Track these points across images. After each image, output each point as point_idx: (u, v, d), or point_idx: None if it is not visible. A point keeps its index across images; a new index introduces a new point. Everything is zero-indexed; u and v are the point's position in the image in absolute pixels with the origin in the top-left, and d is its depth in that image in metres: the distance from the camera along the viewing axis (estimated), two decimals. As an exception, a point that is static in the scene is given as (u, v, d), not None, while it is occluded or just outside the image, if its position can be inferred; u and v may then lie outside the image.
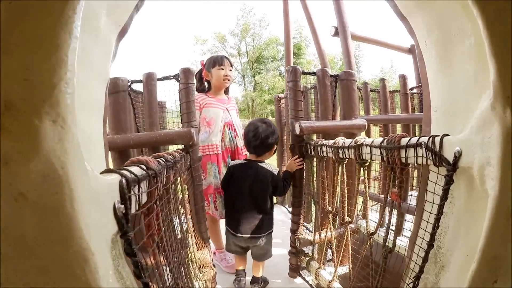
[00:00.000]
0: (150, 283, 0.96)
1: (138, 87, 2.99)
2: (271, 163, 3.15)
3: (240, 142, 3.54)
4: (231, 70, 3.53)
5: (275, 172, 3.02)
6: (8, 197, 0.58)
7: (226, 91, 3.70)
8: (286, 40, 8.41)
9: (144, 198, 1.10)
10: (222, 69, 3.44)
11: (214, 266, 2.87)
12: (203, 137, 3.33)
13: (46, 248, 0.61)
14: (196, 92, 3.23)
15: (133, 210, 0.95)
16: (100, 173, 0.88)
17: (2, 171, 0.57)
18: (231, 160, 3.42)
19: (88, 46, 1.19)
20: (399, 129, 5.08)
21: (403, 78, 5.20)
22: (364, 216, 3.50)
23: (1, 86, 0.56)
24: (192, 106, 2.71)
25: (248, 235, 2.94)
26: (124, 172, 0.93)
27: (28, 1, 0.58)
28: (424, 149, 1.50)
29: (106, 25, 1.32)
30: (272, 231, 3.08)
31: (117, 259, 0.98)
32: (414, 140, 1.57)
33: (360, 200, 3.07)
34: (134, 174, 0.98)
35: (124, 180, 0.89)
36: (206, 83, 3.60)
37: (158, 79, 2.82)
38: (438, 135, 1.46)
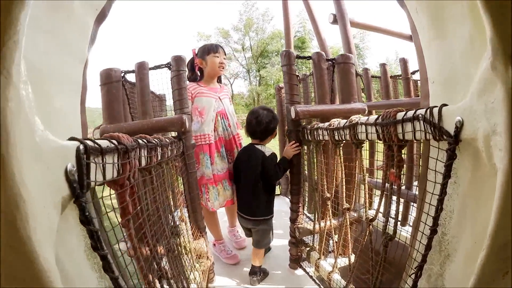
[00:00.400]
0: (109, 257, 0.89)
1: (133, 78, 2.96)
2: (270, 147, 3.22)
3: (235, 130, 3.51)
4: (225, 58, 3.46)
5: (267, 154, 3.08)
6: None
7: (219, 80, 3.62)
8: (286, 33, 8.34)
9: (113, 173, 1.08)
10: (217, 56, 3.35)
11: (211, 256, 2.82)
12: (195, 127, 3.25)
13: None
14: (187, 82, 3.12)
15: (95, 180, 0.95)
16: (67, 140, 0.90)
17: None
18: (225, 150, 3.43)
19: (61, 25, 1.27)
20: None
21: (403, 62, 5.07)
22: (367, 204, 3.43)
23: None
24: (184, 93, 2.69)
25: (247, 217, 3.10)
26: (87, 141, 0.92)
27: None
28: (422, 122, 1.38)
29: (80, 8, 1.36)
30: (269, 218, 3.11)
31: (87, 239, 1.01)
32: (410, 113, 1.45)
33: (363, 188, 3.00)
34: (97, 144, 0.97)
35: (82, 146, 0.88)
36: (198, 72, 3.50)
37: (150, 68, 2.80)
38: (436, 106, 1.34)
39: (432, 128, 1.33)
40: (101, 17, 1.53)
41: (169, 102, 3.67)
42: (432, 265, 1.46)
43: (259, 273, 3.07)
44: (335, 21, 6.04)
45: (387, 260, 1.78)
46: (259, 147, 3.13)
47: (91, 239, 0.85)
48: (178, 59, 2.69)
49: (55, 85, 1.23)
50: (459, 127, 1.19)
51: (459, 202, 1.34)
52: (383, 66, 5.11)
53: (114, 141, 1.12)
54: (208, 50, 3.39)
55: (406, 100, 4.73)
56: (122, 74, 2.81)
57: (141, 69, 2.74)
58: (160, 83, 3.08)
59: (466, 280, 1.09)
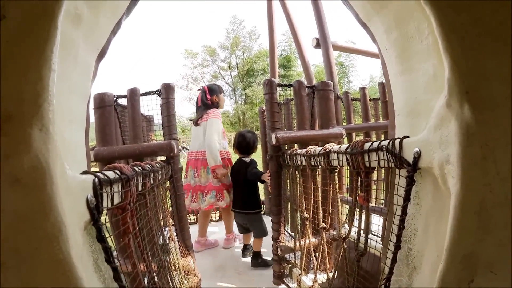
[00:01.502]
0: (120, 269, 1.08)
1: (124, 102, 3.10)
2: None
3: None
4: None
5: (248, 161, 4.32)
6: (7, 181, 0.80)
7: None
8: (270, 53, 8.55)
9: (116, 199, 1.27)
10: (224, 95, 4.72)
11: (198, 273, 2.91)
12: (224, 144, 4.55)
13: (31, 219, 0.81)
14: (214, 108, 4.53)
15: (106, 206, 1.16)
16: (80, 173, 1.10)
17: (3, 163, 0.80)
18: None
19: (69, 69, 1.42)
20: (382, 137, 5.12)
21: (382, 86, 5.32)
22: (342, 223, 3.57)
23: (1, 103, 0.79)
24: (173, 120, 2.86)
25: (241, 210, 4.20)
26: (98, 174, 1.14)
27: (18, 47, 0.81)
28: (385, 152, 1.54)
29: (84, 50, 1.49)
30: (258, 212, 4.17)
31: (96, 253, 1.16)
32: (375, 144, 1.62)
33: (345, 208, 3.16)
34: (106, 176, 1.18)
35: (97, 180, 1.09)
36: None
37: (141, 94, 2.96)
38: (398, 138, 1.50)
39: (393, 158, 1.50)
40: (102, 54, 1.67)
41: (157, 121, 3.98)
42: (401, 277, 1.58)
43: (250, 249, 4.30)
44: (318, 45, 6.25)
45: (365, 274, 1.94)
46: (245, 159, 4.33)
47: (105, 254, 1.06)
48: (167, 87, 2.85)
49: (64, 122, 1.39)
50: (417, 157, 1.36)
51: (422, 221, 1.49)
52: (362, 90, 5.30)
53: (117, 172, 1.30)
54: (221, 91, 4.79)
55: (384, 122, 4.90)
56: (115, 98, 2.96)
57: (133, 95, 2.89)
58: (148, 104, 3.17)
59: (431, 289, 1.23)
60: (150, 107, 3.21)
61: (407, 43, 1.57)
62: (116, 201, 1.27)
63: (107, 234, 1.09)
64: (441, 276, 1.15)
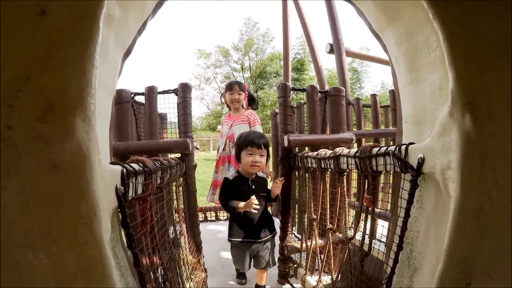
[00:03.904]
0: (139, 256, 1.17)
1: (141, 98, 3.24)
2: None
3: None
4: (240, 94, 4.41)
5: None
6: (47, 166, 0.88)
7: (251, 106, 4.64)
8: (284, 56, 8.63)
9: (139, 190, 1.38)
10: (231, 93, 4.41)
11: (205, 269, 3.01)
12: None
13: (71, 202, 0.90)
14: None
15: (130, 195, 1.27)
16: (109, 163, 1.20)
17: (44, 149, 0.87)
18: (230, 164, 4.38)
19: (100, 66, 1.42)
20: (391, 143, 5.09)
21: (392, 93, 5.35)
22: (349, 226, 3.62)
23: (44, 94, 0.87)
24: (189, 119, 2.95)
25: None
26: (126, 165, 1.25)
27: (62, 42, 0.90)
28: (391, 157, 1.62)
29: (113, 48, 1.57)
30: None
31: (114, 241, 1.26)
32: (383, 149, 1.70)
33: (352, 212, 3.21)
34: (133, 168, 1.29)
35: (125, 170, 1.21)
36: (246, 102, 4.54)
37: (159, 93, 3.08)
38: (404, 144, 1.58)
39: (399, 162, 1.57)
40: (128, 53, 1.74)
41: (169, 119, 4.11)
42: (402, 278, 1.64)
43: None
44: (331, 51, 6.31)
45: (369, 278, 2.00)
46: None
47: (127, 240, 1.16)
48: (185, 87, 2.95)
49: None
50: (421, 162, 1.43)
51: (424, 224, 1.55)
52: (373, 97, 5.37)
53: (141, 164, 1.40)
54: (226, 88, 4.55)
55: (393, 129, 4.92)
56: (132, 95, 3.10)
57: (151, 93, 3.03)
58: (162, 102, 3.28)
59: (431, 290, 1.29)
60: (163, 105, 3.31)
61: (416, 55, 1.62)
62: (139, 192, 1.37)
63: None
64: (439, 277, 1.20)
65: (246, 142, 2.96)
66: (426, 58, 1.54)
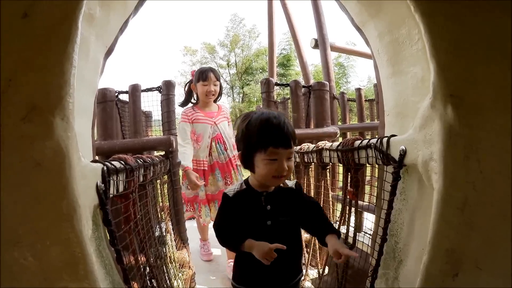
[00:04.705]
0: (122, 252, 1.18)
1: (125, 97, 3.26)
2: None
3: (232, 152, 3.51)
4: (216, 85, 3.45)
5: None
6: (30, 164, 0.91)
7: (216, 100, 3.63)
8: (270, 52, 8.70)
9: (121, 188, 1.38)
10: (206, 85, 3.36)
11: (193, 266, 2.98)
12: (193, 152, 3.37)
13: (54, 200, 0.93)
14: (183, 105, 3.55)
15: (112, 193, 1.28)
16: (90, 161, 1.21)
17: (27, 147, 0.90)
18: (221, 172, 3.48)
19: (80, 65, 1.51)
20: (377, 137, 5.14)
21: (377, 87, 5.38)
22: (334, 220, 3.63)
23: (27, 94, 0.90)
24: (172, 116, 2.99)
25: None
26: (107, 163, 1.26)
27: (43, 45, 0.92)
28: (373, 150, 1.63)
29: (95, 47, 1.57)
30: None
31: (98, 240, 1.26)
32: (365, 142, 1.71)
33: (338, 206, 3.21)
34: (113, 165, 1.30)
35: (105, 168, 1.21)
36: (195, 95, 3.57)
37: (143, 90, 3.10)
38: (386, 136, 1.59)
39: (381, 155, 1.59)
40: (109, 51, 1.73)
41: (155, 117, 4.08)
42: (388, 270, 1.66)
43: None
44: (316, 46, 6.35)
45: (355, 269, 2.01)
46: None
47: (110, 237, 1.17)
48: (168, 84, 2.97)
49: (76, 115, 1.48)
50: (403, 154, 1.45)
51: (408, 216, 1.57)
52: (358, 91, 5.41)
53: (122, 162, 1.41)
54: (199, 77, 3.41)
55: (378, 123, 4.94)
56: (116, 94, 3.08)
57: (134, 91, 3.03)
58: (147, 100, 3.35)
59: (416, 281, 1.28)
60: (148, 103, 3.39)
61: (398, 48, 1.63)
62: (120, 189, 1.37)
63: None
64: (424, 268, 1.22)
65: (268, 139, 1.51)
66: (408, 50, 1.56)
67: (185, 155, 3.22)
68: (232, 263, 2.95)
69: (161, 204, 2.74)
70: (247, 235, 1.58)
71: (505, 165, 1.11)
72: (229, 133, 3.54)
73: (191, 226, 4.13)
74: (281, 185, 1.66)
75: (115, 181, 1.30)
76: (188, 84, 3.60)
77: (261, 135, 1.50)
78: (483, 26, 1.08)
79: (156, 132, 4.42)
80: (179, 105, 3.54)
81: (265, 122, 1.52)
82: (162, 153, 2.87)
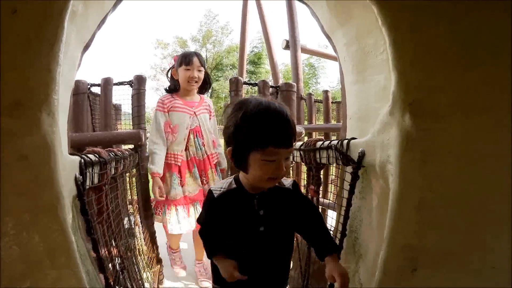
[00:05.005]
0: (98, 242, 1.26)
1: (96, 89, 3.27)
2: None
3: (210, 150, 3.13)
4: (200, 71, 3.03)
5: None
6: (15, 158, 0.97)
7: (201, 91, 3.26)
8: (241, 50, 8.77)
9: (95, 180, 1.45)
10: (189, 69, 2.94)
11: (160, 260, 3.04)
12: (168, 143, 2.98)
13: (38, 192, 1.00)
14: (165, 92, 3.15)
15: (88, 185, 1.36)
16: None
17: (11, 142, 0.96)
18: (199, 170, 3.07)
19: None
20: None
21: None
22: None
23: (10, 92, 0.96)
24: (142, 110, 2.99)
25: None
26: (83, 156, 1.34)
27: (30, 42, 0.99)
28: (334, 150, 1.73)
29: (74, 43, 1.60)
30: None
31: (74, 230, 1.28)
32: (326, 143, 1.81)
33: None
34: (90, 158, 1.37)
35: (83, 160, 1.29)
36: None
37: (114, 84, 3.11)
38: (347, 139, 1.69)
39: (341, 156, 1.69)
40: (87, 47, 1.74)
41: (124, 110, 4.03)
42: (349, 264, 1.74)
43: None
44: (287, 47, 6.42)
45: (319, 264, 2.05)
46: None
47: (86, 226, 1.24)
48: (139, 79, 2.99)
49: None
50: (361, 156, 1.56)
51: (367, 213, 1.66)
52: (325, 93, 5.53)
53: (96, 155, 1.47)
54: (181, 61, 2.99)
55: (341, 124, 5.07)
56: (88, 86, 3.11)
57: (106, 85, 3.06)
58: (117, 94, 3.34)
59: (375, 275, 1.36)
60: (118, 96, 3.38)
61: (363, 57, 1.72)
62: (95, 181, 1.45)
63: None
64: (382, 262, 1.30)
65: (268, 137, 1.29)
66: (373, 60, 1.63)
67: (155, 156, 2.88)
68: (200, 265, 3.19)
69: (130, 197, 2.80)
70: (236, 242, 1.45)
71: (462, 168, 1.21)
72: (209, 128, 3.14)
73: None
74: (277, 184, 1.47)
75: (91, 174, 1.37)
76: (169, 71, 3.17)
77: (260, 131, 1.28)
78: (444, 37, 1.19)
79: (125, 125, 4.41)
80: (165, 90, 3.18)
81: (265, 116, 1.29)
82: (131, 146, 2.89)
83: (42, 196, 0.99)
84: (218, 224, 1.48)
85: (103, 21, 1.79)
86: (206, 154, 3.10)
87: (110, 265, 1.65)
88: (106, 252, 1.60)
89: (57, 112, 1.06)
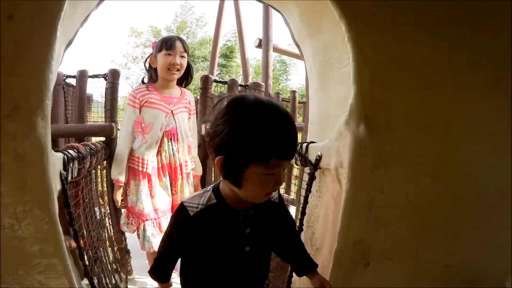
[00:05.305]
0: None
1: (71, 79, 3.33)
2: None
3: (185, 157, 2.66)
4: (183, 57, 2.53)
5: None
6: (12, 157, 1.07)
7: (181, 83, 2.76)
8: (214, 44, 8.90)
9: (75, 174, 1.56)
10: (170, 54, 2.44)
11: (128, 251, 2.99)
12: (135, 145, 2.51)
13: (32, 187, 1.10)
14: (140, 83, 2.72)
15: (69, 179, 1.47)
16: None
17: (11, 143, 1.06)
18: (170, 179, 2.62)
19: None
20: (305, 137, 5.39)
21: (310, 91, 5.65)
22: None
23: (11, 96, 1.07)
24: (115, 104, 2.99)
25: None
26: (66, 152, 1.44)
27: (27, 51, 1.09)
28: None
29: (59, 42, 1.64)
30: None
31: None
32: None
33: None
34: (71, 154, 1.48)
35: (66, 157, 1.40)
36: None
37: (89, 77, 3.13)
38: (306, 142, 1.81)
39: (300, 157, 1.83)
40: (69, 44, 1.73)
41: (96, 98, 4.08)
42: None
43: None
44: (259, 46, 6.52)
45: (277, 260, 2.12)
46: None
47: (69, 218, 1.35)
48: (114, 73, 2.97)
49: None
50: (318, 159, 1.67)
51: (323, 210, 1.76)
52: (293, 93, 5.63)
53: (75, 150, 1.59)
54: (161, 46, 2.49)
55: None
56: (64, 78, 3.18)
57: (82, 77, 3.08)
58: (92, 86, 3.40)
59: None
60: (90, 85, 3.37)
61: (328, 68, 1.79)
62: (74, 175, 1.55)
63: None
64: (335, 255, 1.40)
65: (273, 147, 1.04)
66: (337, 72, 1.70)
67: (119, 161, 2.52)
68: None
69: (101, 189, 2.88)
70: (216, 264, 1.24)
71: (410, 174, 1.39)
72: (186, 131, 2.67)
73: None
74: None
75: (71, 169, 1.46)
76: (147, 59, 2.68)
77: (264, 140, 1.02)
78: (405, 58, 1.34)
79: (95, 114, 4.49)
80: (141, 82, 2.77)
81: (272, 122, 1.04)
82: (102, 138, 2.86)
83: (36, 191, 1.10)
84: (189, 247, 1.23)
85: (86, 18, 1.79)
86: (179, 161, 2.60)
87: (86, 255, 1.71)
88: (83, 243, 1.67)
89: (49, 116, 1.16)
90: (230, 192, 1.17)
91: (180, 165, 2.61)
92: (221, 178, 1.18)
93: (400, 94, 1.36)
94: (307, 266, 1.36)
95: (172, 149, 2.56)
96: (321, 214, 1.78)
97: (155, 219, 2.53)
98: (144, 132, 2.47)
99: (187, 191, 2.66)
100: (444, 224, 1.45)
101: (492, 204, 1.45)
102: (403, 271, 1.45)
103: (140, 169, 2.48)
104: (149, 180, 2.52)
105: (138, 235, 2.55)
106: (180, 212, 1.20)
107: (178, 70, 2.50)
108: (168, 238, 1.26)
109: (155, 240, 2.47)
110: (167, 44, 2.45)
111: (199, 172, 2.88)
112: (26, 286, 1.14)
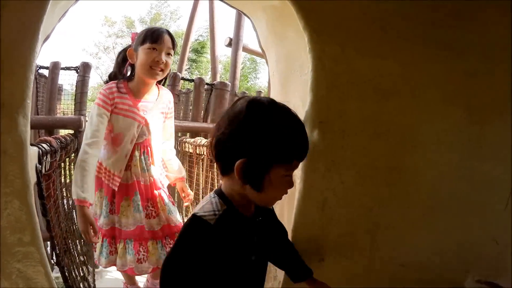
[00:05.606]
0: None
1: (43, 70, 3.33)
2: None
3: (161, 170, 2.23)
4: (169, 55, 1.99)
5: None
6: None
7: (162, 82, 2.23)
8: (185, 39, 8.90)
9: (47, 167, 1.64)
10: (155, 49, 1.90)
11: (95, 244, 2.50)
12: (101, 153, 2.00)
13: (12, 179, 1.17)
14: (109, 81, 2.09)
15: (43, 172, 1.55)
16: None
17: None
18: (142, 199, 2.05)
19: None
20: None
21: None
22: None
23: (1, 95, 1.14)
24: (85, 97, 3.07)
25: None
26: (40, 146, 1.52)
27: (15, 52, 1.16)
28: None
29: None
30: None
31: None
32: None
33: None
34: (45, 148, 1.56)
35: (41, 151, 1.48)
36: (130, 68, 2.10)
37: (62, 69, 3.19)
38: None
39: None
40: (47, 38, 1.69)
41: (65, 87, 4.09)
42: None
43: None
44: (230, 45, 6.58)
45: None
46: None
47: (42, 209, 1.44)
48: (86, 66, 3.06)
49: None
50: None
51: (279, 208, 1.64)
52: (259, 93, 5.85)
53: (48, 144, 1.66)
54: (144, 38, 1.93)
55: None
56: (37, 69, 3.18)
57: (54, 69, 3.14)
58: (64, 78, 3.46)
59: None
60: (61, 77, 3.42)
61: (289, 75, 1.79)
62: (47, 169, 1.63)
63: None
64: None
65: (297, 149, 1.09)
66: (297, 79, 1.70)
67: (85, 174, 1.80)
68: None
69: (68, 181, 2.90)
70: (227, 274, 1.09)
71: (363, 177, 1.46)
72: (161, 139, 2.23)
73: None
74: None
75: (45, 162, 1.53)
76: (123, 52, 2.09)
77: (288, 142, 1.04)
78: (363, 67, 1.42)
79: (64, 106, 4.44)
80: (104, 82, 2.34)
81: (291, 124, 1.08)
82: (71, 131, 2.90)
83: (16, 184, 1.17)
84: (214, 264, 1.05)
85: (64, 14, 1.77)
86: (153, 177, 2.11)
87: (57, 247, 1.76)
88: (54, 235, 1.72)
89: (29, 114, 1.22)
90: (238, 198, 1.09)
91: (154, 180, 2.11)
92: (223, 183, 1.11)
93: (357, 104, 1.42)
94: (303, 272, 1.32)
95: (145, 163, 2.07)
96: (278, 212, 1.76)
97: (112, 238, 2.07)
98: (114, 143, 2.01)
99: (172, 208, 2.18)
100: (397, 225, 1.51)
101: (446, 207, 1.53)
102: (358, 268, 1.52)
103: (106, 181, 2.03)
104: (114, 197, 2.05)
105: (94, 248, 2.18)
106: (197, 225, 1.04)
107: (162, 70, 1.96)
108: (190, 265, 1.02)
109: (103, 259, 2.07)
110: (153, 37, 1.91)
111: (182, 173, 2.41)
112: (6, 274, 1.21)
